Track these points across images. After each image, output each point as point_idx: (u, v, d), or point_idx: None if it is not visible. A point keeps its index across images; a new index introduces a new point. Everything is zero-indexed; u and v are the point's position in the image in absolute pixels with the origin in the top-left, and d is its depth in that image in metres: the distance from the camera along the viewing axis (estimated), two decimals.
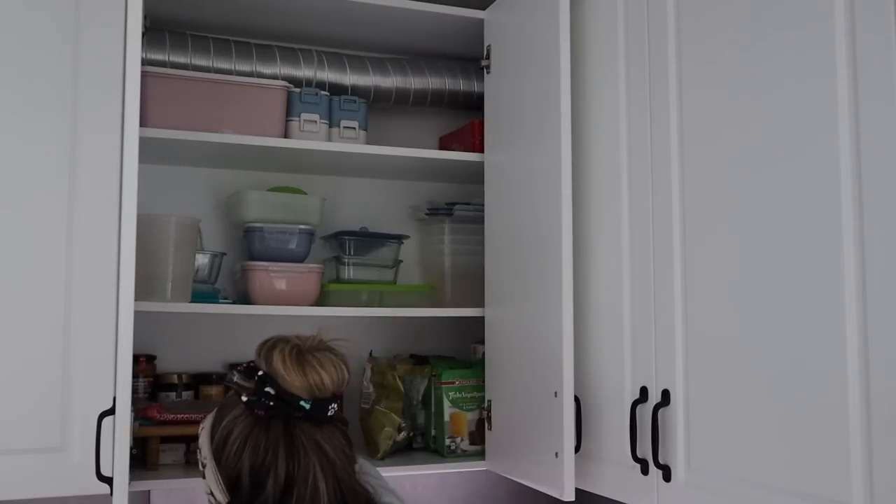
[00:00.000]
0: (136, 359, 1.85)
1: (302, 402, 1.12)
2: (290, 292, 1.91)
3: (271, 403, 1.12)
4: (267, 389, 1.12)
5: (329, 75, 2.05)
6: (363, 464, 1.33)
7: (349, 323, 2.06)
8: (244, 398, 1.13)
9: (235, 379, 1.17)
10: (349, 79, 2.06)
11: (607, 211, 1.62)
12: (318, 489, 1.09)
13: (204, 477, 1.16)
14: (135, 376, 1.78)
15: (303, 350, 1.15)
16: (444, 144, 2.25)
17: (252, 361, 1.20)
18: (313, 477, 1.09)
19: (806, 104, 1.19)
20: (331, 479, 1.11)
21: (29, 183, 1.54)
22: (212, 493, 1.15)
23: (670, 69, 1.46)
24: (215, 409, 1.21)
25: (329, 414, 1.14)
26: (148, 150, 1.84)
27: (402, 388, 1.96)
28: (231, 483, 1.12)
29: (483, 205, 1.97)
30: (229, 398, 1.20)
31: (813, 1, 1.18)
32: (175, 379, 1.98)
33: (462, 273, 2.11)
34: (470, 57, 2.18)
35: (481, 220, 1.97)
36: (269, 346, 1.17)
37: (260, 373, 1.15)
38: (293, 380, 1.13)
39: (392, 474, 1.76)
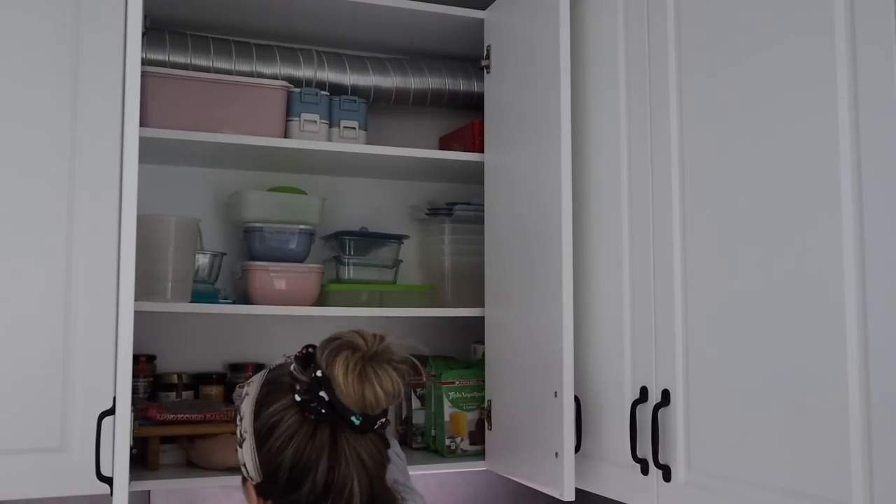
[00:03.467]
0: (136, 359, 1.85)
1: (353, 418, 1.10)
2: (290, 292, 1.91)
3: (323, 411, 1.09)
4: (321, 395, 1.09)
5: (329, 75, 2.05)
6: (393, 446, 1.32)
7: (349, 323, 2.05)
8: (297, 397, 1.10)
9: (292, 368, 1.14)
10: (349, 79, 2.06)
11: (607, 211, 1.62)
12: (353, 502, 1.09)
13: (240, 447, 1.14)
14: (135, 376, 1.78)
15: (366, 360, 1.11)
16: (444, 144, 2.25)
17: (311, 349, 1.15)
18: (350, 489, 1.09)
19: (807, 100, 1.19)
20: (365, 492, 1.11)
21: (29, 183, 1.54)
22: (245, 466, 1.14)
23: (670, 68, 1.46)
24: (264, 378, 1.17)
25: (375, 427, 1.13)
26: (148, 150, 1.84)
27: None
28: (267, 470, 1.11)
29: (483, 205, 1.97)
30: (281, 377, 1.15)
31: None
32: (175, 379, 1.98)
33: (462, 273, 2.11)
34: (470, 57, 2.18)
35: (481, 220, 1.97)
36: (335, 350, 1.12)
37: (318, 373, 1.10)
38: (350, 394, 1.09)
39: None
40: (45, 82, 1.56)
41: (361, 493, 1.10)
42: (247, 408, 1.15)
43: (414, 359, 1.16)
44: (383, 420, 1.13)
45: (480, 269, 1.97)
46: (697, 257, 1.39)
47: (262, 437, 1.12)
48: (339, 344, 1.12)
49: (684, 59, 1.43)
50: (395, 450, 1.51)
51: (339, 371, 1.09)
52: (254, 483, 1.13)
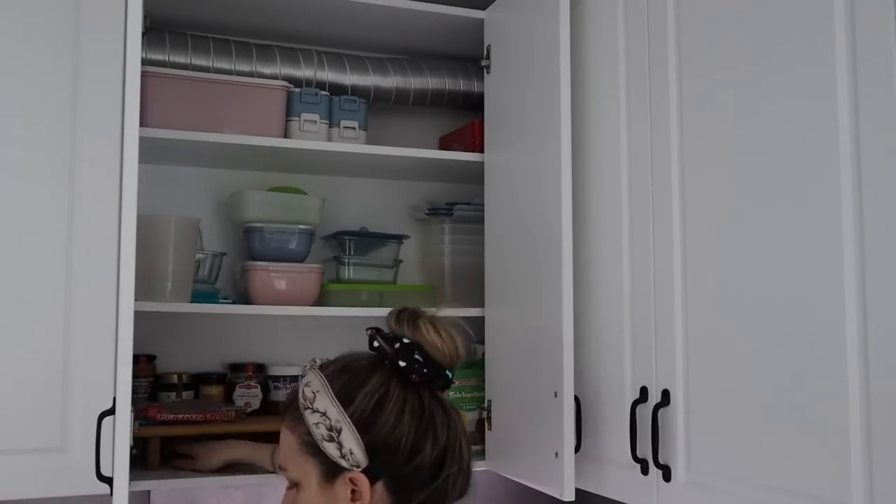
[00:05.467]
0: (136, 359, 1.85)
1: (447, 372, 1.16)
2: (290, 292, 1.91)
3: (425, 370, 1.13)
4: (417, 356, 1.13)
5: (329, 75, 2.05)
6: None
7: (349, 323, 2.06)
8: (401, 363, 1.14)
9: (375, 345, 1.17)
10: (349, 79, 2.06)
11: (607, 211, 1.62)
12: (464, 455, 1.14)
13: (332, 441, 1.13)
14: (135, 376, 1.78)
15: (440, 323, 1.17)
16: (444, 144, 2.25)
17: (375, 329, 1.19)
18: (460, 444, 1.14)
19: (807, 100, 1.19)
20: (468, 441, 1.17)
21: (29, 183, 1.54)
22: (346, 457, 1.13)
23: (670, 68, 1.46)
24: (324, 373, 1.18)
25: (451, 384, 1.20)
26: (148, 150, 1.84)
27: None
28: (384, 446, 1.12)
29: (483, 205, 1.97)
30: (352, 363, 1.18)
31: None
32: (175, 379, 1.98)
33: (462, 273, 2.11)
34: (470, 57, 2.17)
35: (481, 220, 1.97)
36: (412, 315, 1.18)
37: (405, 340, 1.15)
38: (444, 350, 1.15)
39: None
40: (45, 82, 1.56)
41: (469, 447, 1.17)
42: (326, 402, 1.15)
43: (461, 322, 1.23)
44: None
45: (480, 269, 1.97)
46: (697, 257, 1.39)
47: (369, 417, 1.13)
48: (411, 312, 1.19)
49: (684, 59, 1.43)
50: None
51: (428, 332, 1.16)
52: (360, 469, 1.12)
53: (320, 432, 1.14)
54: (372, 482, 1.13)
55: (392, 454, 1.12)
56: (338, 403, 1.14)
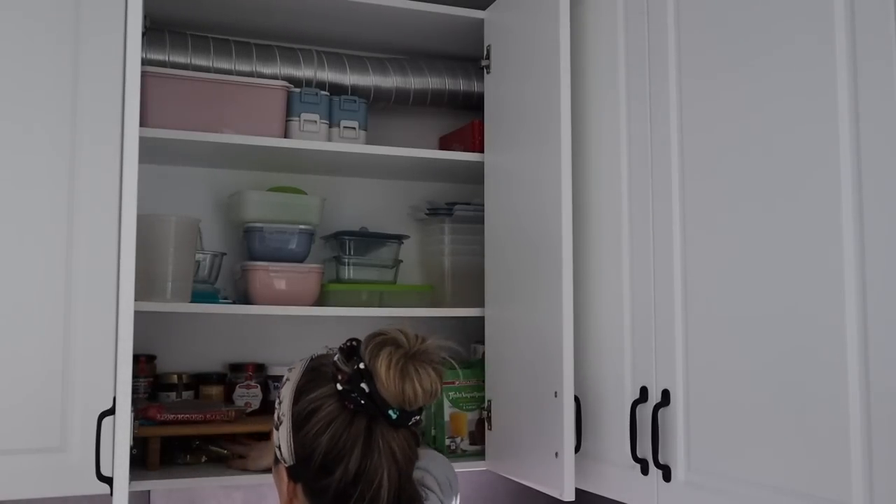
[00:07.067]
0: (136, 359, 1.86)
1: (390, 411, 1.13)
2: (290, 292, 1.91)
3: (362, 402, 1.12)
4: (362, 385, 1.12)
5: (329, 75, 2.05)
6: (428, 454, 1.33)
7: (349, 323, 2.06)
8: (339, 386, 1.14)
9: (335, 359, 1.17)
10: (349, 79, 2.06)
11: (607, 210, 1.62)
12: (381, 493, 1.12)
13: (276, 429, 1.18)
14: (135, 376, 1.78)
15: (408, 358, 1.14)
16: (444, 144, 2.25)
17: (355, 342, 1.18)
18: (379, 481, 1.12)
19: (807, 100, 1.19)
20: (394, 485, 1.14)
21: (29, 183, 1.54)
22: (279, 448, 1.18)
23: (670, 69, 1.46)
24: (306, 365, 1.21)
25: (410, 423, 1.16)
26: (148, 150, 1.84)
27: None
28: (300, 454, 1.15)
29: (483, 205, 1.97)
30: (324, 366, 1.19)
31: None
32: (175, 379, 1.98)
33: (462, 273, 2.11)
34: (470, 57, 2.18)
35: (481, 220, 1.98)
36: (379, 345, 1.15)
37: (361, 365, 1.13)
38: (390, 388, 1.12)
39: None
40: (45, 82, 1.56)
41: (390, 485, 1.13)
42: (287, 392, 1.18)
43: (452, 361, 1.20)
44: (418, 418, 1.16)
45: (480, 269, 1.97)
46: (697, 257, 1.39)
47: (300, 421, 1.15)
48: (383, 339, 1.15)
49: (684, 59, 1.43)
50: (445, 474, 1.50)
51: (381, 365, 1.12)
52: (286, 465, 1.16)
53: (274, 417, 1.19)
54: (294, 481, 1.16)
55: (306, 464, 1.14)
56: (291, 398, 1.17)
